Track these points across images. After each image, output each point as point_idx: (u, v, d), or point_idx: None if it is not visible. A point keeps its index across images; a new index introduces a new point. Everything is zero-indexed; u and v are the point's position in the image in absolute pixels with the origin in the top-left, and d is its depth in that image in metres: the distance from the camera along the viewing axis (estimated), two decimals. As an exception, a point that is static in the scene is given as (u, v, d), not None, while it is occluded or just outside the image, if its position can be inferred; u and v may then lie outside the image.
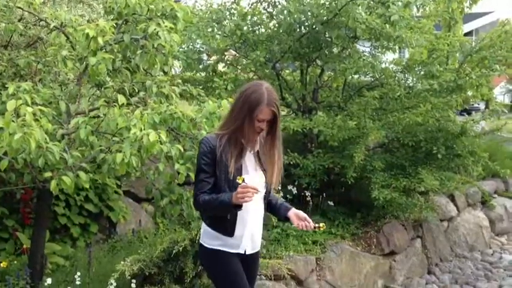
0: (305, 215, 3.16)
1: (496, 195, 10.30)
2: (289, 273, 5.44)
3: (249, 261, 3.22)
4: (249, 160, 3.08)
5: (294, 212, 3.21)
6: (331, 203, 7.09)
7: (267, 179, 3.11)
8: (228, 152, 2.97)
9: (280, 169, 3.15)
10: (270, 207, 3.29)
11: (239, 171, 3.00)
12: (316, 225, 3.11)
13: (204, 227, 3.17)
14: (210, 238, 3.11)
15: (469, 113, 10.56)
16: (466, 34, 8.90)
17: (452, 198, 9.10)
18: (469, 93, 7.71)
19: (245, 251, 3.14)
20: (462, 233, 8.80)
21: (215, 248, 3.09)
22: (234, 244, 3.10)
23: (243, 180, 2.90)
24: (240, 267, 3.14)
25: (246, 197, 2.82)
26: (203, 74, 7.44)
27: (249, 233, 3.13)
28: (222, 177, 2.98)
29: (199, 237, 3.21)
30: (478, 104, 15.82)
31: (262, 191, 3.11)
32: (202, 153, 3.00)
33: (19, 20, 4.43)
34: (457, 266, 7.99)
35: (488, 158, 7.60)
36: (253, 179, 3.03)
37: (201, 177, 3.00)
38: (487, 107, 8.41)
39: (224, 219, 3.05)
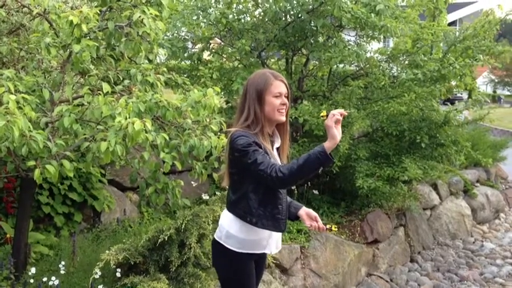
0: (315, 214, 3.02)
1: (478, 184, 10.44)
2: (274, 261, 5.46)
3: (262, 260, 3.17)
4: (275, 152, 2.99)
5: (305, 212, 3.07)
6: (316, 192, 7.13)
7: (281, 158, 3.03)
8: (265, 144, 2.84)
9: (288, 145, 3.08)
10: None
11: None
12: (328, 226, 3.04)
13: (234, 228, 2.95)
14: (239, 241, 2.93)
15: (452, 103, 10.62)
16: (450, 24, 8.93)
17: (435, 187, 9.21)
18: (453, 82, 7.76)
19: (271, 251, 3.06)
20: (444, 221, 8.90)
21: (243, 251, 2.93)
22: (259, 245, 2.98)
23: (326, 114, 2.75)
24: (254, 269, 3.05)
25: (336, 116, 2.66)
26: (188, 62, 7.40)
27: (274, 232, 3.03)
28: None
29: (220, 238, 2.99)
30: (461, 94, 15.95)
31: None
32: (248, 144, 2.76)
33: (1, 7, 4.36)
34: (439, 254, 8.09)
35: (470, 147, 7.68)
36: None
37: (259, 155, 2.73)
38: (469, 96, 8.45)
39: (276, 214, 2.91)
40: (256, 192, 2.87)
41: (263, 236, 2.97)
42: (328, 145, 2.64)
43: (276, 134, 3.03)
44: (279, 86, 2.89)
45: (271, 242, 3.03)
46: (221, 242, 2.98)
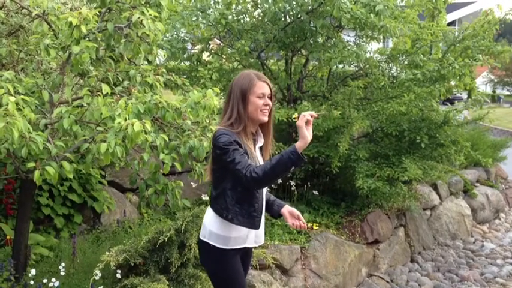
0: (298, 213, 3.15)
1: (478, 184, 10.44)
2: (274, 262, 5.46)
3: (248, 253, 3.27)
4: (258, 152, 3.11)
5: (287, 210, 3.20)
6: (315, 193, 7.12)
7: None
8: (246, 144, 2.96)
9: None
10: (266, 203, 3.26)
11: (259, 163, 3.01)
12: (309, 225, 3.12)
13: (214, 226, 3.06)
14: (222, 238, 3.04)
15: (452, 103, 10.64)
16: (449, 24, 8.94)
17: (435, 187, 9.21)
18: (452, 82, 7.76)
19: (250, 244, 3.16)
20: (445, 221, 8.90)
21: (227, 247, 3.04)
22: (240, 240, 3.07)
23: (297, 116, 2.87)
24: (240, 263, 3.15)
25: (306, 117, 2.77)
26: (187, 63, 7.40)
27: (262, 225, 3.16)
28: None
29: (205, 237, 3.10)
30: (461, 94, 15.96)
31: None
32: (228, 143, 2.85)
33: (0, 8, 4.36)
34: (439, 254, 8.08)
35: (470, 147, 7.68)
36: None
37: (238, 155, 2.83)
38: (469, 96, 8.45)
39: (252, 212, 3.01)
40: (233, 190, 2.98)
41: (243, 232, 3.07)
42: (299, 145, 2.75)
43: (260, 134, 3.13)
44: (263, 87, 2.98)
45: (250, 236, 3.13)
46: (205, 240, 3.10)
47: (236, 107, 2.97)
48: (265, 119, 3.00)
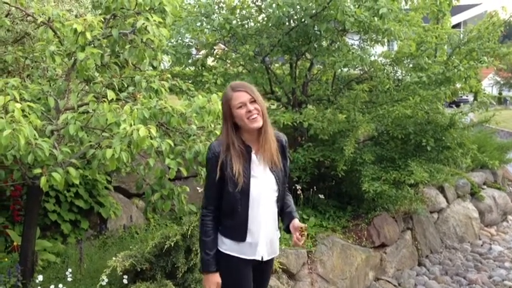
0: (299, 225, 3.05)
1: (485, 187, 10.40)
2: (281, 266, 5.46)
3: (264, 267, 3.18)
4: (255, 163, 3.03)
5: (292, 226, 3.10)
6: (321, 196, 7.11)
7: (273, 170, 3.06)
8: (230, 159, 2.96)
9: (276, 150, 3.09)
10: (281, 211, 3.20)
11: (246, 175, 2.98)
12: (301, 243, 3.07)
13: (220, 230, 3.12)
14: (225, 243, 3.06)
15: (457, 105, 10.62)
16: (454, 26, 8.92)
17: (441, 190, 9.18)
18: (458, 85, 7.75)
19: (262, 258, 3.09)
20: (452, 224, 8.87)
21: (229, 253, 3.04)
22: (249, 251, 3.05)
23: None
24: (250, 275, 3.10)
25: None
26: (192, 68, 7.42)
27: (264, 238, 3.07)
28: (230, 182, 2.95)
29: None
30: (467, 96, 15.91)
31: (273, 192, 3.08)
32: (209, 159, 3.02)
33: (6, 16, 4.39)
34: (447, 258, 8.05)
35: (476, 149, 7.66)
36: (262, 182, 3.03)
37: (209, 183, 3.05)
38: (475, 98, 8.43)
39: (234, 227, 3.03)
40: (223, 202, 3.04)
41: (251, 241, 3.04)
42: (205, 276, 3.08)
43: (259, 140, 3.05)
44: (239, 97, 2.97)
45: (261, 249, 3.07)
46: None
47: (223, 124, 3.07)
48: (257, 124, 2.97)
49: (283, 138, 3.20)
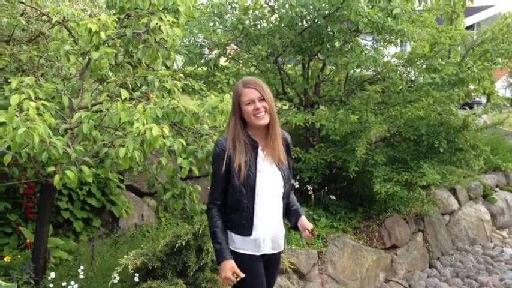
0: (309, 226, 3.14)
1: (497, 189, 10.31)
2: (291, 267, 5.46)
3: (270, 262, 3.25)
4: (262, 158, 3.10)
5: (301, 224, 3.21)
6: (333, 197, 7.10)
7: (279, 167, 3.13)
8: (237, 154, 3.01)
9: (282, 147, 3.16)
10: (286, 210, 3.28)
11: (252, 170, 3.04)
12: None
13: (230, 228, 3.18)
14: (234, 241, 3.13)
15: (471, 107, 10.53)
16: (467, 28, 8.84)
17: (453, 192, 9.12)
18: (471, 86, 7.70)
19: (268, 251, 3.17)
20: (463, 226, 8.81)
21: (240, 251, 3.11)
22: (256, 246, 3.12)
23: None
24: (262, 271, 3.16)
25: (228, 282, 3.08)
26: (204, 68, 7.44)
27: (270, 233, 3.15)
28: (236, 176, 3.01)
29: None
30: (480, 98, 15.79)
31: (279, 188, 3.14)
32: (216, 155, 3.08)
33: (21, 15, 4.43)
34: (458, 260, 8.00)
35: (490, 151, 7.60)
36: (268, 177, 3.09)
37: (215, 178, 3.10)
38: (488, 100, 8.38)
39: (240, 221, 3.10)
40: (229, 197, 3.09)
41: (256, 237, 3.10)
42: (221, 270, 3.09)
43: (267, 136, 3.12)
44: (248, 94, 3.03)
45: (266, 244, 3.15)
46: None
47: (230, 118, 3.12)
48: (263, 122, 3.04)
49: (288, 136, 3.30)
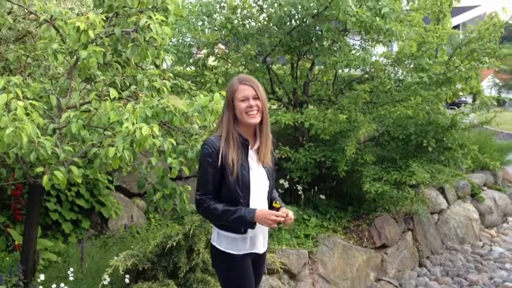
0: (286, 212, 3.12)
1: (485, 188, 10.38)
2: (282, 267, 5.44)
3: (258, 260, 3.25)
4: (251, 158, 3.10)
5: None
6: (322, 197, 7.10)
7: (263, 166, 3.14)
8: (230, 151, 2.98)
9: (270, 148, 3.17)
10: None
11: (246, 169, 3.03)
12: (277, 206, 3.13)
13: (216, 229, 3.15)
14: (224, 241, 3.10)
15: (458, 107, 10.60)
16: (453, 28, 8.89)
17: (442, 191, 9.17)
18: (458, 86, 7.74)
19: (259, 250, 3.17)
20: (452, 225, 8.85)
21: (229, 251, 3.09)
22: (249, 245, 3.11)
23: (279, 206, 3.03)
24: (251, 269, 3.15)
25: (276, 223, 2.95)
26: (193, 68, 7.41)
27: (260, 232, 3.16)
28: (229, 174, 2.98)
29: (212, 238, 3.20)
30: (466, 98, 15.90)
31: (266, 186, 3.16)
32: (207, 155, 3.00)
33: (8, 13, 4.37)
34: (447, 259, 8.03)
35: (477, 150, 7.64)
36: (258, 175, 3.09)
37: (205, 177, 3.01)
38: (474, 100, 8.44)
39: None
40: (223, 197, 3.04)
41: (248, 236, 3.09)
42: (260, 219, 2.97)
43: (257, 136, 3.13)
44: (243, 90, 3.02)
45: (258, 243, 3.16)
46: (214, 244, 3.15)
47: (224, 112, 3.08)
48: (254, 120, 3.03)
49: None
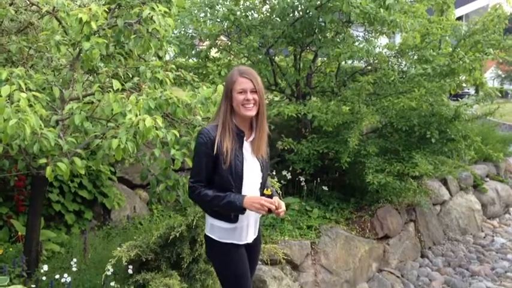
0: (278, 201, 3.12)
1: (487, 179, 10.38)
2: (285, 257, 5.45)
3: (252, 248, 3.26)
4: (246, 149, 3.12)
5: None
6: (325, 188, 7.11)
7: (258, 158, 3.15)
8: (225, 140, 3.00)
9: (266, 140, 3.19)
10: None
11: (240, 159, 3.05)
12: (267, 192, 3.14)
13: (209, 219, 3.17)
14: (217, 231, 3.13)
15: (460, 98, 10.57)
16: (456, 19, 8.84)
17: (444, 182, 9.17)
18: (462, 77, 7.71)
19: (249, 240, 3.20)
20: (455, 216, 8.86)
21: (223, 241, 3.11)
22: (240, 235, 3.13)
23: (270, 194, 3.03)
24: (246, 259, 3.18)
25: (265, 209, 2.95)
26: (195, 59, 7.39)
27: (252, 221, 3.20)
28: (223, 163, 2.99)
29: (205, 229, 3.22)
30: (468, 89, 15.84)
31: (259, 178, 3.18)
32: (202, 144, 3.02)
33: (10, 5, 4.36)
34: (449, 249, 8.05)
35: (480, 142, 7.63)
36: (251, 166, 3.11)
37: (198, 165, 3.04)
38: (476, 91, 8.41)
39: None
40: (215, 185, 3.05)
41: (240, 225, 3.12)
42: (249, 205, 2.97)
43: (253, 128, 3.15)
44: (242, 83, 3.03)
45: (250, 231, 3.19)
46: (208, 234, 3.18)
47: (222, 103, 3.09)
48: (250, 113, 3.04)
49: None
